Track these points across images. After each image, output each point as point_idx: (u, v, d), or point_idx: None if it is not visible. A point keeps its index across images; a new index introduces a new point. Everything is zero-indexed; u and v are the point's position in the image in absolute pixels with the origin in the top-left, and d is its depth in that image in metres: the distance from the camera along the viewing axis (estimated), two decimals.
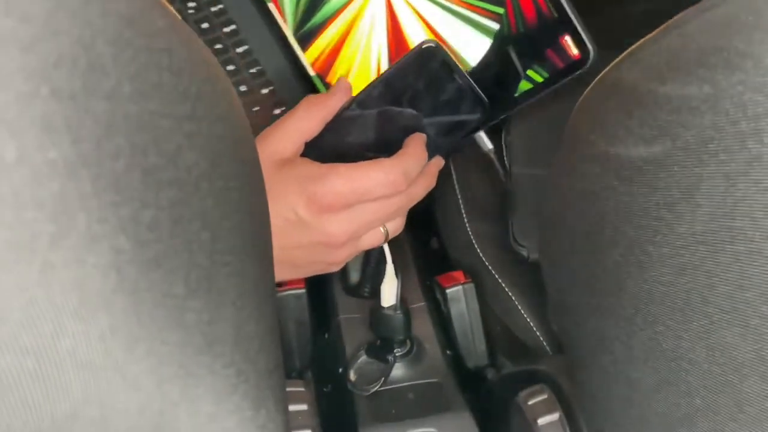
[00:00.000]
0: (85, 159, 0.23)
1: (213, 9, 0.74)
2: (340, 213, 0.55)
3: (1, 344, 0.20)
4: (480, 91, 0.58)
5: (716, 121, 0.31)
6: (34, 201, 0.21)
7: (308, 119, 0.57)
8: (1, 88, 0.21)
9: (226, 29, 0.74)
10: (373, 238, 0.59)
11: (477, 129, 0.64)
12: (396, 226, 0.60)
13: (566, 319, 0.49)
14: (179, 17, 0.31)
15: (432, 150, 0.58)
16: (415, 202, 0.59)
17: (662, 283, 0.35)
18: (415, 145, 0.57)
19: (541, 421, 0.54)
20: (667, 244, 0.35)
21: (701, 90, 0.32)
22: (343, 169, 0.54)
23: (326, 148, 0.57)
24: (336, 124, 0.58)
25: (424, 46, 0.57)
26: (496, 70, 0.64)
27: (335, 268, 0.61)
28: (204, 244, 0.28)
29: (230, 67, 0.72)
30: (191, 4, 0.74)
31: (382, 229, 0.59)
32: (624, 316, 0.39)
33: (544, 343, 0.69)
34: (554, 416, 0.54)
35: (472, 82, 0.58)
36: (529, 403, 0.55)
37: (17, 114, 0.21)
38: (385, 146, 0.57)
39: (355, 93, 0.59)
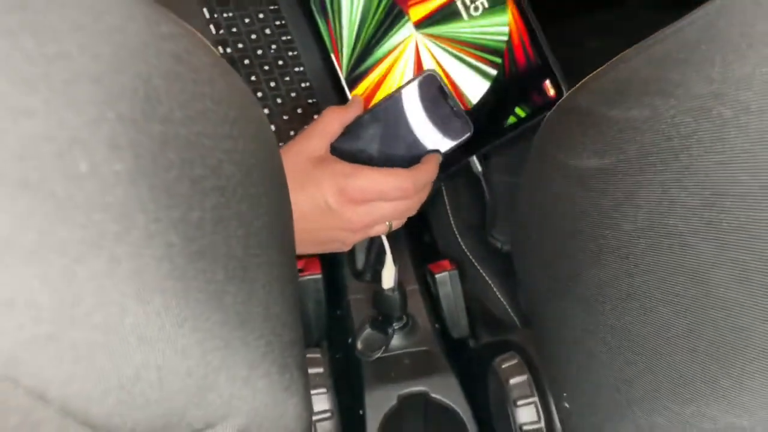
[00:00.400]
0: (143, 170, 0.23)
1: (289, 53, 0.78)
2: (361, 206, 0.56)
3: (77, 322, 0.20)
4: (466, 115, 0.58)
5: (654, 138, 0.31)
6: (103, 205, 0.21)
7: (331, 123, 0.58)
8: (76, 113, 0.21)
9: (296, 69, 0.78)
10: (380, 229, 0.60)
11: (468, 152, 0.65)
12: (399, 222, 0.61)
13: (534, 299, 0.49)
14: (219, 55, 0.31)
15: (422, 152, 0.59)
16: (419, 206, 0.60)
17: (611, 270, 0.35)
18: (430, 163, 0.58)
19: (512, 381, 0.54)
20: (614, 238, 0.35)
21: (642, 113, 0.32)
22: (368, 171, 0.56)
23: (345, 150, 0.58)
24: (353, 131, 0.59)
25: (425, 73, 0.58)
26: (491, 106, 0.65)
27: (346, 248, 0.62)
28: (239, 240, 0.28)
29: (293, 94, 0.76)
30: (273, 46, 0.78)
31: (387, 222, 0.59)
32: (581, 297, 0.39)
33: (515, 318, 0.69)
34: (523, 378, 0.54)
35: (461, 106, 0.58)
36: (503, 366, 0.55)
37: (89, 134, 0.21)
38: (390, 153, 0.58)
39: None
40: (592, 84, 0.38)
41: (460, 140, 0.58)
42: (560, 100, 0.41)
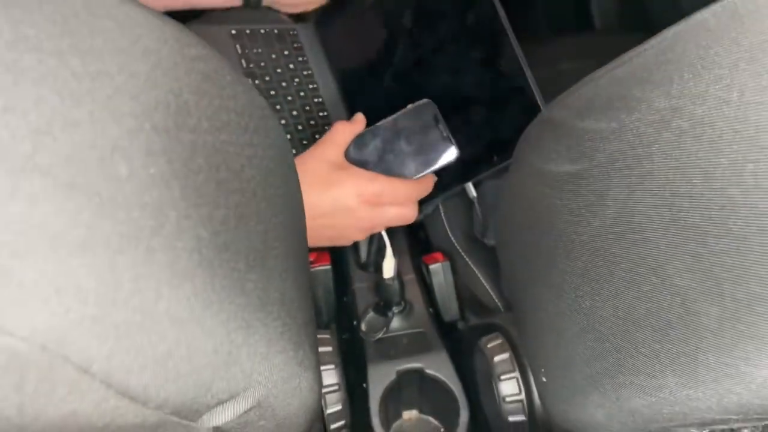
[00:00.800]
0: (175, 174, 0.23)
1: (310, 86, 0.79)
2: (375, 208, 0.58)
3: (118, 305, 0.20)
4: (454, 141, 0.58)
5: (621, 147, 0.31)
6: (140, 204, 0.21)
7: (342, 134, 0.59)
8: (116, 124, 0.21)
9: (315, 100, 0.79)
10: (380, 228, 0.61)
11: (465, 178, 0.65)
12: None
13: (514, 286, 0.49)
14: (240, 74, 0.31)
15: (413, 171, 0.59)
16: (416, 214, 0.61)
17: (582, 261, 0.35)
18: (428, 181, 0.61)
19: (497, 358, 0.54)
20: (585, 234, 0.35)
21: (610, 125, 0.32)
22: (384, 178, 0.57)
23: (350, 159, 0.59)
24: (357, 144, 0.60)
25: (423, 102, 0.59)
26: (486, 139, 0.64)
27: (349, 243, 0.63)
28: (259, 234, 0.28)
29: (312, 122, 0.77)
30: (296, 80, 0.79)
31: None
32: (554, 284, 0.39)
33: (498, 304, 0.69)
34: (506, 355, 0.54)
35: (450, 133, 0.59)
36: (489, 346, 0.55)
37: (128, 143, 0.21)
38: (387, 165, 0.59)
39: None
40: (565, 100, 0.37)
41: (447, 162, 0.59)
42: (538, 114, 0.41)
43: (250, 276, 0.27)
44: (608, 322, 0.34)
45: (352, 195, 0.56)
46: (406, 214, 0.60)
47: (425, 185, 0.61)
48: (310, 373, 0.33)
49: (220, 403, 0.26)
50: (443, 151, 0.58)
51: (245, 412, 0.27)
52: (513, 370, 0.53)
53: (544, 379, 0.44)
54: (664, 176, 0.29)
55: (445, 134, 0.58)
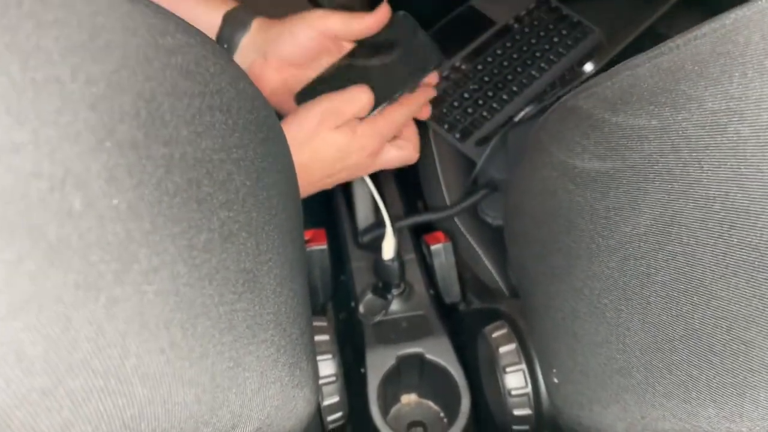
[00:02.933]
0: (145, 201, 0.18)
1: None
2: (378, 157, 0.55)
3: (74, 369, 0.16)
4: (437, 46, 0.54)
5: (662, 148, 0.27)
6: (100, 244, 0.17)
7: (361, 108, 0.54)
8: (69, 145, 0.17)
9: None
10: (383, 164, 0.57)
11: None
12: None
13: (523, 277, 0.46)
14: (230, 57, 0.26)
15: (400, 84, 0.54)
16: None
17: (607, 267, 0.32)
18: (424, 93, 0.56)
19: (502, 349, 0.51)
20: (613, 239, 0.31)
21: (650, 122, 0.28)
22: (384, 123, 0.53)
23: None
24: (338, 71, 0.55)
25: (399, 14, 0.54)
26: None
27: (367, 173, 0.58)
28: (250, 251, 0.24)
29: None
30: None
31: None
32: (573, 286, 0.35)
33: (503, 287, 0.65)
34: (512, 346, 0.51)
35: (431, 39, 0.54)
36: (493, 335, 0.52)
37: (83, 167, 0.17)
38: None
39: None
40: (593, 88, 0.33)
41: (430, 67, 0.54)
42: (562, 99, 0.37)
43: (240, 305, 0.22)
44: (636, 336, 0.30)
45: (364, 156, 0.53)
46: (404, 157, 0.56)
47: (419, 100, 0.56)
48: (308, 388, 0.29)
49: None
50: (425, 58, 0.54)
51: None
52: (519, 362, 0.50)
53: (555, 380, 0.41)
54: (715, 187, 0.25)
55: (425, 41, 0.54)
